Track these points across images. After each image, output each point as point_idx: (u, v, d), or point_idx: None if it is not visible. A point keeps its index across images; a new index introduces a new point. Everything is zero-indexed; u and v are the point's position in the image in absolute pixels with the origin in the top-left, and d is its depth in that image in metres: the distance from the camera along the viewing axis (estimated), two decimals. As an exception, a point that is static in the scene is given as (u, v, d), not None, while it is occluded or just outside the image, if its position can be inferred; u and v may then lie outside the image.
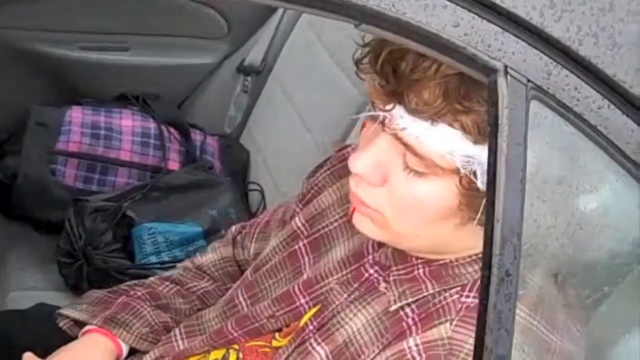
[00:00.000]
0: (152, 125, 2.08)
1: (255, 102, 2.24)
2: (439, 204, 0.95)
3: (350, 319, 1.10)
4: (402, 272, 1.08)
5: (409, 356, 1.00)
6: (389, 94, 0.91)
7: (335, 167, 1.29)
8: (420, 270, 1.06)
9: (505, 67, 0.79)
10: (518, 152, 0.80)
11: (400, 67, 0.89)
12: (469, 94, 0.87)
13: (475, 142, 0.89)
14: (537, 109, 0.81)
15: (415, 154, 0.92)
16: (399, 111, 0.92)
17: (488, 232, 0.81)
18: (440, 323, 1.02)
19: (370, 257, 1.14)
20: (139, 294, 1.40)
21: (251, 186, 2.11)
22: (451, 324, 1.01)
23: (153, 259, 1.83)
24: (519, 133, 0.80)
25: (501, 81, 0.79)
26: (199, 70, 2.29)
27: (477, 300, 1.02)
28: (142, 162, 2.01)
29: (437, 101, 0.88)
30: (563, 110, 0.82)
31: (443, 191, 0.94)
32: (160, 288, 1.42)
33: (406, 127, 0.91)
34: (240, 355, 1.25)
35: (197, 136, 2.13)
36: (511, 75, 0.79)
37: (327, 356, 1.10)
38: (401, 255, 1.08)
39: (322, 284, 1.17)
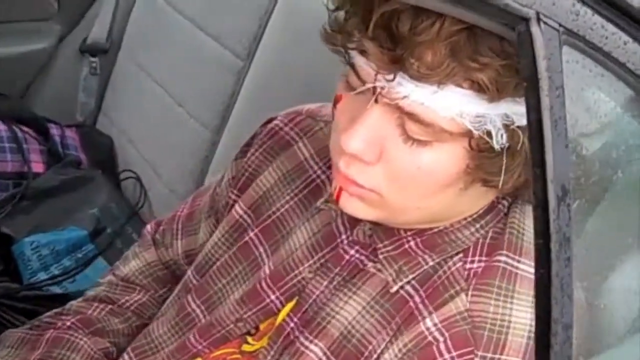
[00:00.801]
0: (1, 127, 1.87)
1: (107, 83, 2.07)
2: (446, 171, 0.88)
3: (341, 309, 1.01)
4: (390, 248, 1.00)
5: (430, 338, 0.94)
6: (385, 62, 0.82)
7: (267, 144, 1.19)
8: (412, 243, 0.99)
9: (537, 13, 0.72)
10: (559, 105, 0.73)
11: (398, 30, 0.80)
12: (479, 48, 0.80)
13: (491, 99, 0.82)
14: (569, 55, 0.74)
15: (420, 122, 0.84)
16: (396, 78, 0.83)
17: (540, 196, 0.74)
18: (452, 296, 0.95)
19: (344, 237, 1.05)
20: (68, 323, 1.25)
21: (124, 174, 1.96)
22: (466, 294, 0.95)
23: (42, 275, 1.67)
24: (558, 84, 0.73)
25: (535, 30, 0.72)
26: (34, 57, 2.08)
27: (484, 265, 0.97)
28: (1, 169, 1.81)
29: (445, 62, 0.80)
30: (592, 51, 0.76)
31: (449, 157, 0.87)
32: (90, 312, 1.27)
33: (408, 94, 0.83)
34: (207, 368, 1.14)
35: (54, 130, 1.94)
36: (544, 22, 0.72)
37: (324, 353, 1.01)
38: (386, 230, 1.00)
39: (292, 274, 1.08)
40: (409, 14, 0.80)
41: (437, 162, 0.87)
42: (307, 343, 1.02)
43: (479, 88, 0.82)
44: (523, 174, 0.88)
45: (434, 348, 0.93)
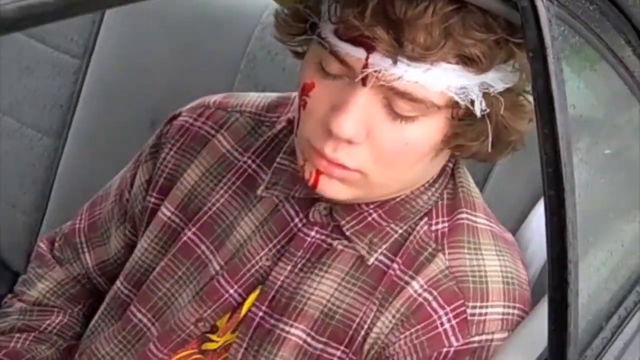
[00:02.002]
0: None
1: None
2: (428, 142, 0.96)
3: (316, 289, 1.06)
4: (354, 223, 1.06)
5: (420, 300, 1.01)
6: (384, 47, 0.87)
7: (182, 142, 1.20)
8: (374, 215, 1.06)
9: (540, -13, 0.81)
10: (560, 70, 0.83)
11: (395, 15, 0.86)
12: (471, 26, 0.87)
13: (479, 72, 0.90)
14: (560, 25, 0.84)
15: (413, 99, 0.91)
16: (384, 61, 0.89)
17: (550, 153, 0.84)
18: (427, 259, 1.03)
19: (297, 220, 1.09)
20: None
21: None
22: (443, 254, 1.03)
23: None
24: (559, 52, 0.83)
25: (539, 4, 0.80)
26: None
27: (448, 224, 1.06)
28: None
29: (440, 42, 0.87)
30: (574, 21, 0.86)
31: (433, 128, 0.95)
32: (13, 344, 1.22)
33: (402, 75, 0.89)
34: (167, 376, 1.14)
35: None
36: (544, -3, 0.81)
37: (308, 334, 1.05)
38: (345, 207, 1.06)
39: (249, 265, 1.11)
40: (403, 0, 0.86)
41: (422, 135, 0.94)
42: (287, 328, 1.06)
43: (465, 62, 0.90)
44: (488, 141, 0.97)
45: (427, 307, 1.01)
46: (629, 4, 0.92)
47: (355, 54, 0.90)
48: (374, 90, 0.92)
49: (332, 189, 0.99)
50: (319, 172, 0.98)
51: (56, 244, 1.31)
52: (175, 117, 1.22)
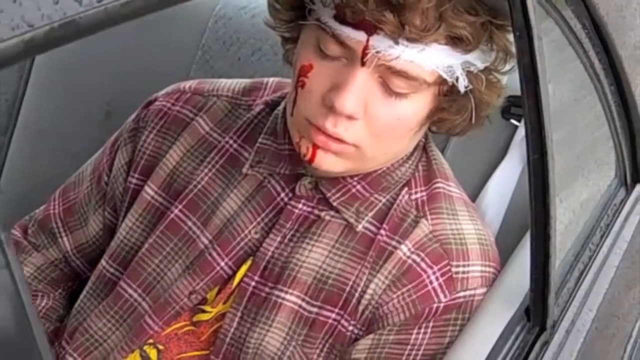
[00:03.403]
0: None
1: None
2: (417, 117, 1.07)
3: (307, 257, 1.16)
4: (339, 195, 1.16)
5: (410, 261, 1.13)
6: (388, 29, 0.98)
7: (161, 125, 1.28)
8: (358, 187, 1.16)
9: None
10: (541, 48, 0.96)
11: (394, 1, 0.97)
12: (461, 9, 0.99)
13: (468, 51, 1.02)
14: (537, 6, 0.97)
15: (408, 77, 1.02)
16: (384, 42, 1.00)
17: (534, 122, 0.97)
18: (411, 225, 1.15)
19: (283, 195, 1.19)
20: None
21: None
22: (426, 219, 1.14)
23: None
24: (540, 33, 0.95)
25: (525, -12, 0.93)
26: None
27: (427, 193, 1.17)
28: None
29: (435, 25, 0.99)
30: (547, 4, 0.99)
31: (420, 104, 1.06)
32: None
33: (399, 55, 1.00)
34: (160, 347, 1.22)
35: None
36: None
37: (302, 299, 1.15)
38: (330, 181, 1.17)
39: (238, 239, 1.20)
40: None
41: (412, 110, 1.06)
42: (282, 295, 1.16)
43: (454, 43, 1.02)
44: (468, 114, 1.09)
45: (416, 268, 1.12)
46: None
47: (356, 36, 1.01)
48: (371, 70, 1.03)
49: (326, 162, 1.09)
50: (315, 147, 1.08)
51: (29, 230, 1.36)
52: (151, 103, 1.30)
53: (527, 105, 0.96)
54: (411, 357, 1.12)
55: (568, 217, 1.20)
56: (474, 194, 1.35)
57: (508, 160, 1.36)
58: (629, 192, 1.33)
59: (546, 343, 1.03)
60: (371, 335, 1.13)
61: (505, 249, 1.20)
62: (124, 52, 1.64)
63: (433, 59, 1.02)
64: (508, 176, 1.34)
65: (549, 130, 0.97)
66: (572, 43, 1.10)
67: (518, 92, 1.02)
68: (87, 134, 1.60)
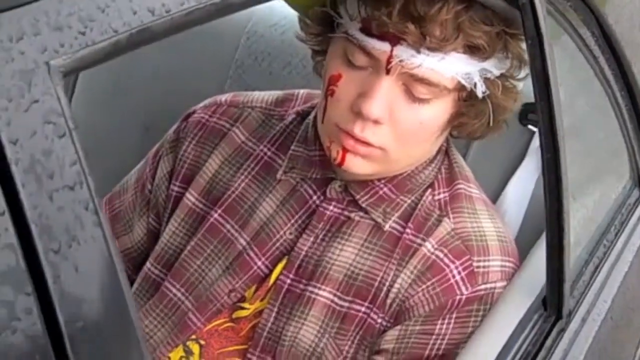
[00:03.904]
0: None
1: None
2: (438, 122, 1.16)
3: (339, 255, 1.25)
4: (367, 197, 1.25)
5: (434, 257, 1.21)
6: (409, 40, 1.07)
7: (200, 136, 1.37)
8: (385, 189, 1.25)
9: (535, -11, 1.02)
10: (552, 54, 1.05)
11: (416, 12, 1.06)
12: (478, 20, 1.08)
13: (484, 59, 1.11)
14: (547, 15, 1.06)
15: (429, 84, 1.11)
16: (407, 52, 1.09)
17: (547, 122, 1.06)
18: (435, 224, 1.23)
19: (315, 198, 1.28)
20: None
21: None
22: (448, 218, 1.23)
23: None
24: (550, 40, 1.04)
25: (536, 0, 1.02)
26: None
27: (449, 194, 1.26)
28: None
29: (454, 35, 1.08)
30: (556, 14, 1.08)
31: (441, 109, 1.15)
32: None
33: (421, 63, 1.09)
34: (202, 342, 1.31)
35: None
36: (538, -6, 1.03)
37: (335, 295, 1.24)
38: (359, 184, 1.25)
39: (274, 239, 1.28)
40: (422, 0, 1.06)
41: (434, 115, 1.15)
42: (315, 290, 1.24)
43: (471, 52, 1.11)
44: (486, 118, 1.18)
45: (440, 263, 1.21)
46: (594, 1, 1.14)
47: (381, 47, 1.10)
48: (395, 78, 1.12)
49: (356, 165, 1.18)
50: (345, 151, 1.17)
51: None
52: (190, 115, 1.40)
53: (540, 106, 1.05)
54: (436, 346, 1.20)
55: (583, 215, 1.28)
56: (494, 196, 1.43)
57: (526, 164, 1.44)
58: (643, 193, 1.41)
59: (562, 330, 1.11)
60: (398, 327, 1.22)
61: (524, 249, 1.29)
62: (163, 70, 1.74)
63: (452, 67, 1.11)
64: (526, 180, 1.42)
65: (561, 130, 1.05)
66: (583, 51, 1.18)
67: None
68: (129, 148, 1.69)
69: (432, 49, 1.09)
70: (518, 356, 1.05)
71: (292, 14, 1.27)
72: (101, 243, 0.46)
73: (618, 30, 1.19)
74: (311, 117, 1.31)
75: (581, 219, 1.28)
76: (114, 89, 1.79)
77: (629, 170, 1.39)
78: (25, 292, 0.42)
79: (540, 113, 1.05)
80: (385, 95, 1.13)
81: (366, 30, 1.12)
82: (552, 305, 1.11)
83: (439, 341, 1.21)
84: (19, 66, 0.43)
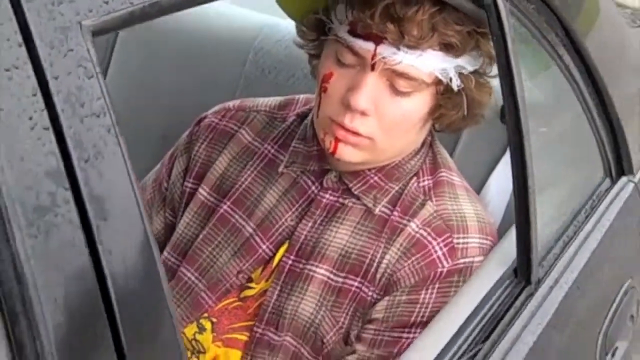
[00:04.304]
0: None
1: None
2: (419, 113, 1.31)
3: (334, 237, 1.40)
4: (359, 185, 1.41)
5: (418, 235, 1.36)
6: (390, 39, 1.23)
7: (211, 137, 1.53)
8: (375, 178, 1.40)
9: (496, -10, 1.18)
10: (515, 50, 1.20)
11: (395, 14, 1.22)
12: (450, 20, 1.24)
13: (457, 55, 1.27)
14: (511, 17, 1.21)
15: (409, 78, 1.27)
16: (389, 50, 1.25)
17: (512, 110, 1.21)
18: (419, 207, 1.38)
19: (313, 188, 1.43)
20: None
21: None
22: (431, 201, 1.38)
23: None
24: (513, 37, 1.19)
25: (499, 0, 1.17)
26: None
27: (432, 181, 1.41)
28: None
29: (429, 34, 1.23)
30: (520, 15, 1.24)
31: (422, 102, 1.31)
32: None
33: (401, 60, 1.25)
34: (214, 320, 1.46)
35: None
36: (500, -6, 1.18)
37: (330, 272, 1.38)
38: (352, 174, 1.41)
39: (277, 225, 1.44)
40: (401, 3, 1.22)
41: (415, 106, 1.30)
42: (313, 269, 1.40)
43: (446, 49, 1.26)
44: (462, 110, 1.33)
45: (424, 240, 1.36)
46: (557, 5, 1.29)
47: (366, 46, 1.27)
48: (379, 74, 1.28)
49: (347, 153, 1.34)
50: (337, 141, 1.33)
51: None
52: (202, 120, 1.56)
53: (505, 96, 1.20)
54: (420, 314, 1.35)
55: (558, 200, 1.42)
56: (479, 188, 1.58)
57: (506, 159, 1.58)
58: (614, 182, 1.55)
59: (530, 295, 1.25)
60: (387, 297, 1.36)
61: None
62: (179, 84, 1.91)
63: (429, 63, 1.27)
64: (507, 173, 1.56)
65: (524, 115, 1.20)
66: (549, 52, 1.33)
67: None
68: (148, 154, 1.86)
69: (410, 47, 1.25)
70: (488, 315, 1.19)
71: (295, 31, 1.44)
72: (119, 158, 0.62)
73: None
74: (309, 117, 1.47)
75: (556, 203, 1.42)
76: (136, 103, 1.95)
77: (600, 161, 1.53)
78: (64, 187, 0.58)
79: (505, 102, 1.20)
80: (371, 89, 1.28)
81: (353, 32, 1.28)
82: (522, 273, 1.25)
83: (423, 309, 1.35)
84: (59, 24, 0.59)
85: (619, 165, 1.55)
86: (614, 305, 1.43)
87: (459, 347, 1.13)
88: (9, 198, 0.55)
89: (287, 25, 1.82)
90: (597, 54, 1.44)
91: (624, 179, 1.57)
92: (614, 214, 1.48)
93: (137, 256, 0.62)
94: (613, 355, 1.42)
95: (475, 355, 1.12)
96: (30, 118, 0.56)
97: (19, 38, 0.56)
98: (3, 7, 0.56)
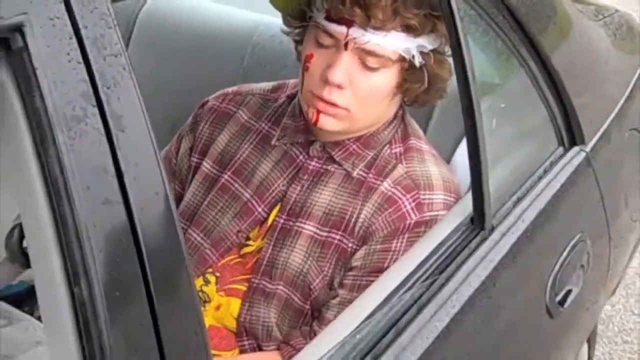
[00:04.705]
0: None
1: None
2: (387, 87, 1.54)
3: (319, 198, 1.63)
4: (340, 152, 1.64)
5: (389, 193, 1.59)
6: (358, 22, 1.46)
7: (213, 117, 1.77)
8: (354, 146, 1.63)
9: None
10: (464, 29, 1.42)
11: (365, 2, 1.45)
12: (408, 5, 1.47)
13: (417, 36, 1.50)
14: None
15: (377, 55, 1.50)
16: (358, 31, 1.48)
17: (463, 83, 1.43)
18: (391, 169, 1.61)
19: (301, 157, 1.66)
20: None
21: None
22: (402, 164, 1.61)
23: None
24: (462, 17, 1.42)
25: (449, -14, 1.40)
26: None
27: (403, 147, 1.63)
28: None
29: (392, 17, 1.47)
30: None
31: (389, 76, 1.54)
32: None
33: (369, 40, 1.48)
34: (217, 274, 1.68)
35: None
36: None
37: (316, 227, 1.61)
38: (334, 143, 1.64)
39: (271, 190, 1.67)
40: None
41: (383, 80, 1.53)
42: (302, 225, 1.62)
43: (407, 30, 1.49)
44: (424, 85, 1.56)
45: (394, 197, 1.59)
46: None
47: (340, 29, 1.50)
48: (352, 52, 1.51)
49: (327, 122, 1.57)
50: (318, 112, 1.56)
51: None
52: (205, 103, 1.80)
53: (457, 72, 1.42)
54: (393, 260, 1.57)
55: (514, 165, 1.65)
56: (448, 159, 1.80)
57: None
58: (567, 150, 1.77)
59: (484, 239, 1.47)
60: (364, 247, 1.59)
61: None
62: (186, 77, 2.14)
63: (394, 42, 1.50)
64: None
65: (473, 87, 1.42)
66: (500, 36, 1.56)
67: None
68: (160, 141, 2.09)
69: (376, 29, 1.48)
70: (446, 254, 1.41)
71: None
72: (132, 87, 0.85)
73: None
74: (297, 98, 1.70)
75: (512, 168, 1.65)
76: (148, 96, 2.18)
77: (554, 132, 1.75)
78: (92, 104, 0.81)
79: (457, 76, 1.42)
80: (345, 66, 1.52)
81: (328, 18, 1.52)
82: (477, 220, 1.47)
83: (395, 255, 1.57)
84: (86, -12, 0.82)
85: (570, 136, 1.77)
86: (564, 254, 1.65)
87: (419, 277, 1.35)
88: (54, 110, 0.78)
89: (279, 23, 2.06)
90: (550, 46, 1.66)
91: (576, 148, 1.79)
92: (565, 177, 1.70)
93: (148, 161, 0.86)
94: (565, 297, 1.64)
95: (432, 284, 1.34)
96: (68, 54, 0.80)
97: (60, -3, 0.80)
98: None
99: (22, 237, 0.87)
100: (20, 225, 0.86)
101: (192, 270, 0.90)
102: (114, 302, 0.81)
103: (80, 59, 0.81)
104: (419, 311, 1.29)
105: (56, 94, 0.78)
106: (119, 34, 0.85)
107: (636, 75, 2.14)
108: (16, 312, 1.06)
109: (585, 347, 2.14)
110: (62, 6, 0.80)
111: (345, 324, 1.24)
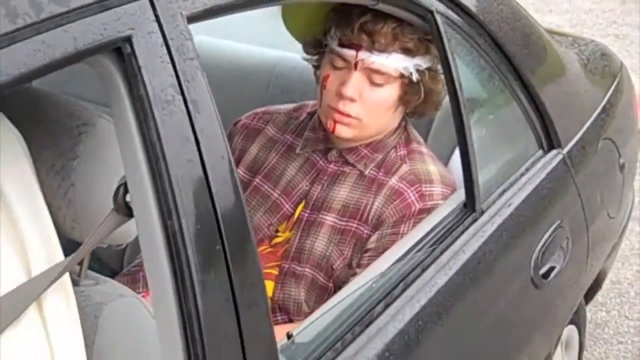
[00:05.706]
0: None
1: None
2: (391, 99, 1.89)
3: (337, 194, 1.96)
4: (354, 156, 1.98)
5: (397, 187, 1.92)
6: (365, 47, 1.80)
7: (244, 133, 2.12)
8: (365, 150, 1.97)
9: (435, 9, 1.74)
10: (452, 53, 1.75)
11: (368, 30, 1.80)
12: (406, 32, 1.81)
13: (413, 56, 1.84)
14: (448, 26, 1.77)
15: (382, 74, 1.84)
16: (366, 54, 1.82)
17: (455, 103, 1.76)
18: (397, 168, 1.95)
19: (321, 162, 2.00)
20: None
21: None
22: (406, 163, 1.94)
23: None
24: (451, 43, 1.75)
25: (437, 15, 1.73)
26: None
27: (406, 150, 1.97)
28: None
29: (392, 42, 1.81)
30: (454, 25, 1.80)
31: (392, 90, 1.88)
32: None
33: (375, 60, 1.82)
34: (252, 262, 2.00)
35: None
36: (437, 11, 1.74)
37: (336, 218, 1.95)
38: (349, 149, 1.97)
39: (296, 189, 2.01)
40: (372, 21, 1.80)
41: (387, 94, 1.88)
42: (323, 217, 1.95)
43: (405, 52, 1.84)
44: (421, 97, 1.90)
45: (401, 190, 1.93)
46: (482, 16, 1.86)
47: (350, 53, 1.85)
48: (361, 72, 1.86)
49: (343, 131, 1.91)
50: (335, 122, 1.90)
51: None
52: (237, 122, 2.15)
53: (450, 92, 1.75)
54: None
55: (500, 165, 1.98)
56: (446, 162, 2.13)
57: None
58: (546, 153, 2.10)
59: (475, 220, 1.79)
60: (377, 232, 1.92)
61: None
62: (220, 102, 2.46)
63: (395, 62, 1.84)
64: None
65: (462, 100, 1.75)
66: (483, 56, 1.89)
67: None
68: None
69: (380, 51, 1.83)
70: (442, 232, 1.74)
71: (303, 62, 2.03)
72: (203, 81, 1.19)
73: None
74: (316, 114, 2.04)
75: (498, 166, 1.98)
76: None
77: (534, 138, 2.08)
78: (178, 93, 1.14)
79: (449, 92, 1.75)
80: (355, 82, 1.86)
81: (340, 44, 1.87)
82: (469, 205, 1.80)
83: (402, 238, 1.89)
84: (171, 12, 1.16)
85: (549, 141, 2.10)
86: (545, 236, 1.97)
87: (419, 250, 1.68)
88: (153, 96, 1.11)
89: (298, 58, 2.41)
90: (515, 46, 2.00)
91: (554, 151, 2.11)
92: (544, 174, 2.03)
93: (215, 133, 1.19)
94: (548, 272, 1.96)
95: (433, 250, 1.67)
96: (161, 57, 1.14)
97: (152, 16, 1.13)
98: (145, 5, 1.13)
99: (126, 192, 1.19)
100: (124, 183, 1.19)
101: (248, 212, 1.22)
102: (197, 233, 1.14)
103: (169, 61, 1.14)
104: (423, 271, 1.61)
105: (154, 84, 1.12)
106: (194, 44, 1.18)
107: (609, 93, 2.47)
108: (101, 276, 1.39)
109: (575, 332, 2.45)
110: (156, 25, 1.13)
111: (364, 278, 1.57)
